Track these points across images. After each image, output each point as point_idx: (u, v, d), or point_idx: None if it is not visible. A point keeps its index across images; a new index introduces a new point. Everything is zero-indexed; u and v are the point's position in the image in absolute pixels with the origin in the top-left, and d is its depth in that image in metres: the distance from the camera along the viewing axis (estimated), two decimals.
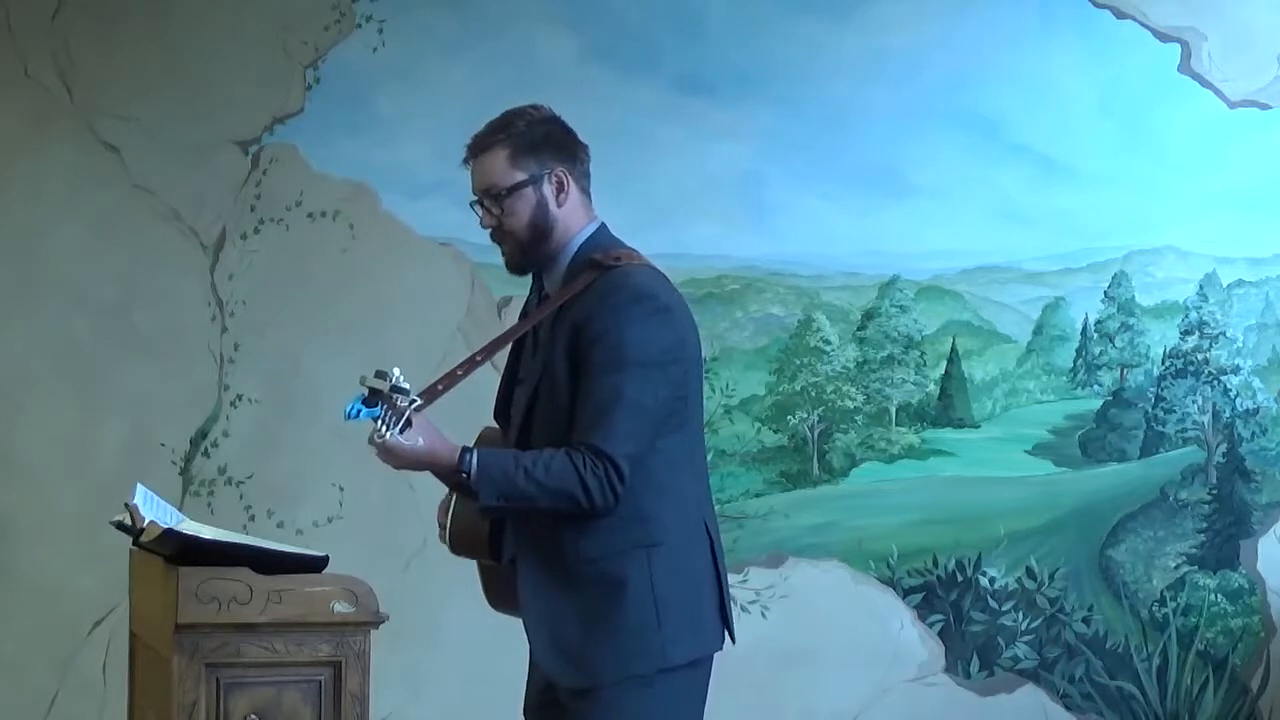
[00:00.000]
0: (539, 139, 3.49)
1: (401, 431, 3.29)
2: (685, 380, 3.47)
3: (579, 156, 3.54)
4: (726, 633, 3.57)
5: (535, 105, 3.55)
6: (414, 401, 3.31)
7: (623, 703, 3.42)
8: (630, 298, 3.41)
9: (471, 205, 3.53)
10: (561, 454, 3.36)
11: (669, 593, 3.43)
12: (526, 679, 3.64)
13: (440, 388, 3.42)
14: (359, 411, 3.31)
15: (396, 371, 3.30)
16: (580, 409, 3.39)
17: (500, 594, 3.60)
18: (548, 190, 3.49)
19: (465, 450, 3.37)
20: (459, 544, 3.57)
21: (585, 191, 3.55)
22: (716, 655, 3.58)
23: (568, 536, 3.42)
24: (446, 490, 3.56)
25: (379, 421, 3.28)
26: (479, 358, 3.49)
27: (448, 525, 3.57)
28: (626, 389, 3.36)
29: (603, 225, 3.56)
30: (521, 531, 3.49)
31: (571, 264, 3.50)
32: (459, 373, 3.45)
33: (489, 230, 3.53)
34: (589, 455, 3.34)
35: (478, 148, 3.51)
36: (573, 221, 3.51)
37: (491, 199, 3.49)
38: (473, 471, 3.35)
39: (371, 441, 3.30)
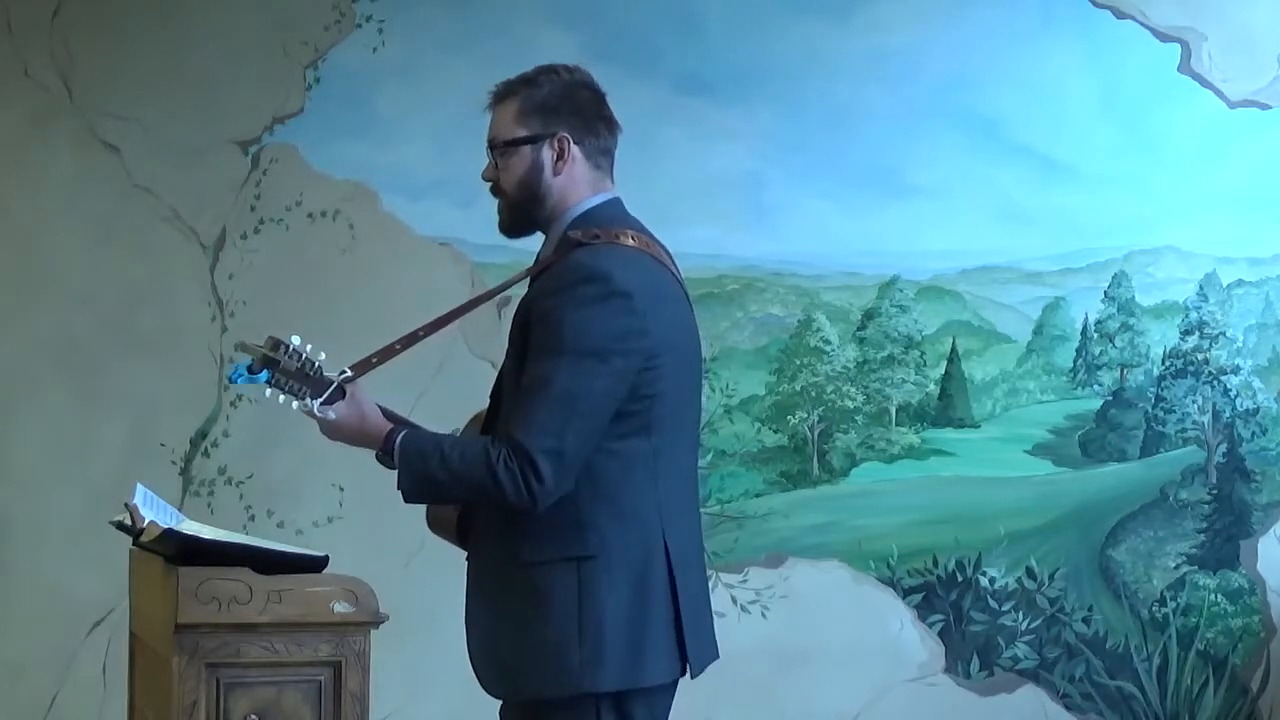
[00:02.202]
0: (555, 100, 3.32)
1: (331, 402, 3.23)
2: (652, 377, 3.20)
3: (598, 129, 3.35)
4: (684, 663, 3.27)
5: (571, 67, 3.39)
6: (344, 372, 3.25)
7: None
8: (579, 279, 3.18)
9: (487, 153, 3.39)
10: (479, 444, 3.17)
11: (600, 612, 3.17)
12: None
13: (375, 361, 3.28)
14: (239, 376, 3.23)
15: (295, 339, 3.22)
16: (512, 396, 3.21)
17: None
18: (547, 154, 3.31)
19: (394, 430, 3.25)
20: (434, 521, 3.49)
21: (598, 166, 3.35)
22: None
23: (509, 537, 3.22)
24: None
25: (269, 386, 3.21)
26: (421, 333, 3.34)
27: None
28: (557, 378, 3.12)
29: (608, 201, 3.35)
30: (472, 525, 3.35)
31: (560, 239, 3.30)
32: (397, 347, 3.31)
33: (489, 184, 3.38)
34: (506, 447, 3.12)
35: (497, 95, 3.36)
36: (571, 193, 3.32)
37: (493, 150, 3.34)
38: (395, 452, 3.23)
39: (300, 409, 3.25)
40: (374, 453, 3.31)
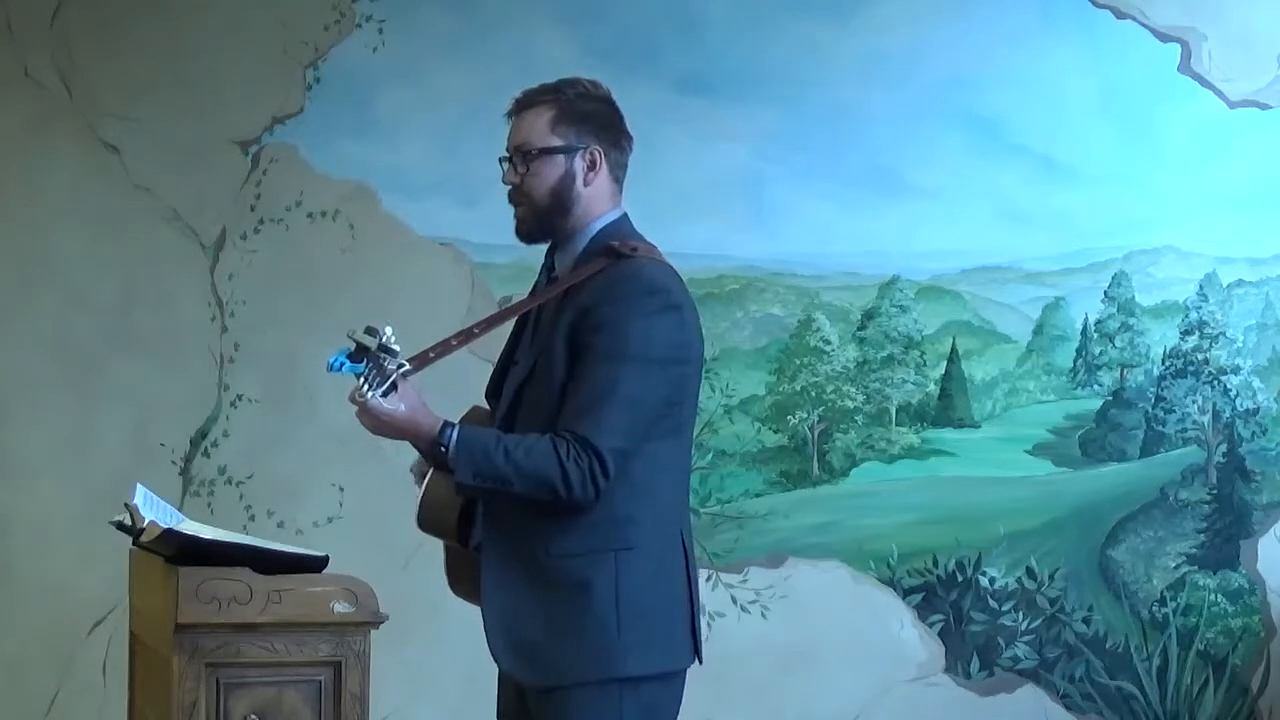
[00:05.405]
0: (586, 112, 3.44)
1: (385, 395, 3.25)
2: (685, 384, 3.39)
3: (621, 144, 3.48)
4: (696, 652, 3.45)
5: (594, 81, 3.49)
6: (402, 366, 3.26)
7: (586, 712, 3.33)
8: (642, 290, 3.34)
9: (500, 161, 3.47)
10: (546, 439, 3.28)
11: (635, 600, 3.33)
12: (498, 682, 3.55)
13: (432, 355, 3.34)
14: (342, 365, 3.24)
15: (388, 330, 3.24)
16: (572, 396, 3.31)
17: (461, 578, 3.53)
18: (579, 164, 3.42)
19: (447, 424, 3.31)
20: (427, 523, 3.49)
21: (617, 181, 3.48)
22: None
23: (538, 530, 3.33)
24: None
25: (362, 379, 3.23)
26: (476, 330, 3.42)
27: (419, 501, 3.48)
28: (623, 382, 3.28)
29: (625, 215, 3.49)
30: (491, 519, 3.40)
31: (587, 248, 3.43)
32: (454, 343, 3.38)
33: (509, 189, 3.45)
34: (574, 444, 3.26)
35: (524, 104, 3.46)
36: (595, 204, 3.44)
37: (521, 156, 3.42)
38: (451, 446, 3.29)
39: (352, 399, 3.25)
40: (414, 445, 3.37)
